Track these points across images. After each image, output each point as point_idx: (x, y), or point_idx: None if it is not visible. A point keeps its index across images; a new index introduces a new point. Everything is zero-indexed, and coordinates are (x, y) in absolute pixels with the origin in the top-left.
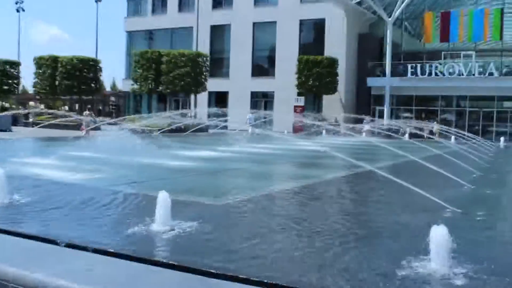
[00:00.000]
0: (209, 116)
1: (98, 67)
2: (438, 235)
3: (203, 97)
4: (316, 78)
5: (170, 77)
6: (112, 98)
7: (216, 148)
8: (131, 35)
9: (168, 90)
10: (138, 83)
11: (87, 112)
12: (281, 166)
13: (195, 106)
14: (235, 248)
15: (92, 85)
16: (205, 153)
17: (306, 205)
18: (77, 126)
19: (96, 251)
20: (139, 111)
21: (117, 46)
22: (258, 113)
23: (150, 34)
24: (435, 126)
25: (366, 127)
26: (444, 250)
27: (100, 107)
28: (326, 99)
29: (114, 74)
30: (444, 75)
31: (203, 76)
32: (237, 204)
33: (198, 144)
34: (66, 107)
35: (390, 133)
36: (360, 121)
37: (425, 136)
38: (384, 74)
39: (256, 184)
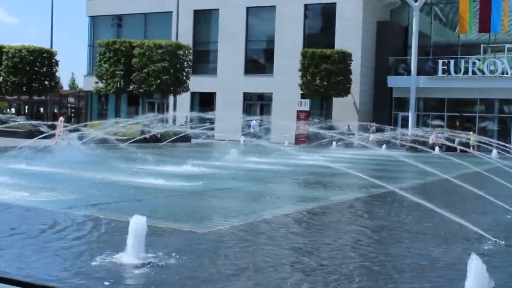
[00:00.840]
0: (192, 122)
1: (53, 60)
2: (474, 271)
3: (184, 99)
4: (324, 76)
5: (144, 74)
6: (71, 99)
7: (201, 162)
8: (94, 21)
9: (141, 90)
10: (103, 81)
11: (62, 118)
12: (280, 186)
13: (175, 109)
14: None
15: (46, 82)
16: (187, 169)
17: (310, 234)
18: (29, 133)
19: None
20: (105, 115)
21: (77, 34)
22: (262, 120)
23: (118, 20)
24: (472, 137)
25: (372, 137)
26: None
27: (56, 110)
28: (337, 102)
29: (74, 69)
30: (483, 73)
31: (184, 73)
32: (225, 233)
33: (178, 158)
34: (13, 110)
35: (415, 145)
36: (377, 130)
37: (458, 149)
38: (408, 72)
39: (248, 208)
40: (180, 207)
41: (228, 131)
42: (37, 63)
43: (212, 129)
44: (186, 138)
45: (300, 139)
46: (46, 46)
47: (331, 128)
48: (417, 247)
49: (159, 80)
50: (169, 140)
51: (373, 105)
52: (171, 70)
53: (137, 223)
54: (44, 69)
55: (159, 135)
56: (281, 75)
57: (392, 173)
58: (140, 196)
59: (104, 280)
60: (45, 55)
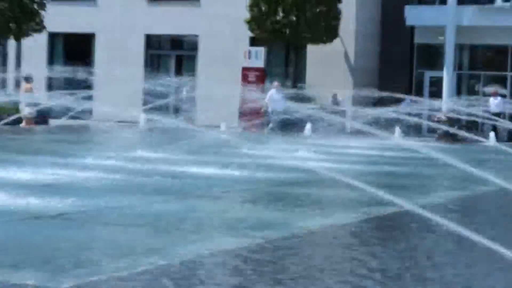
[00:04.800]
0: (50, 87)
1: None
2: None
3: (36, 46)
4: (291, 7)
5: None
6: None
7: (69, 161)
8: None
9: None
10: None
11: (28, 85)
12: (213, 203)
13: (19, 63)
14: None
15: None
16: (43, 173)
17: None
18: None
19: None
20: None
21: None
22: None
23: None
24: None
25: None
26: None
27: None
28: (314, 53)
29: None
30: None
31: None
32: None
33: (27, 153)
34: None
35: (452, 129)
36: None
37: None
38: (443, 0)
39: (152, 243)
40: (27, 244)
41: (118, 103)
42: None
43: (90, 98)
44: (40, 118)
45: (249, 120)
46: None
47: (304, 99)
48: None
49: None
50: (6, 121)
51: (379, 59)
52: None
53: None
54: None
55: None
56: (215, 4)
57: (412, 179)
58: None
59: None
60: None
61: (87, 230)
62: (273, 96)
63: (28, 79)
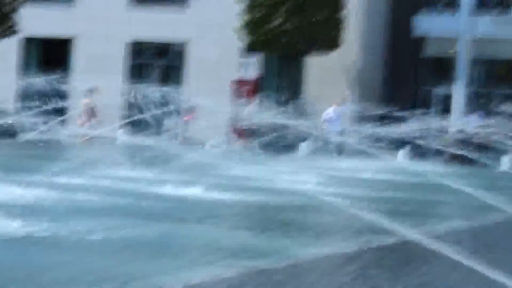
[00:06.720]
0: (22, 98)
1: None
2: None
3: (9, 51)
4: (290, 13)
5: None
6: None
7: (40, 180)
8: None
9: None
10: None
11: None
12: (198, 228)
13: None
14: None
15: None
16: (12, 193)
17: None
18: None
19: None
20: None
21: None
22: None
23: None
24: None
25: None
26: None
27: None
28: (313, 65)
29: None
30: None
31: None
32: None
33: None
34: None
35: (464, 151)
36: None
37: None
38: (454, 7)
39: (125, 270)
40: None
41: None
42: None
43: (62, 112)
44: (9, 132)
45: (239, 134)
46: None
47: (303, 114)
48: None
49: None
50: None
51: (384, 72)
52: None
53: None
54: None
55: None
56: (204, 8)
57: (417, 206)
58: None
59: None
60: None
61: (59, 255)
62: (331, 115)
63: (92, 91)
